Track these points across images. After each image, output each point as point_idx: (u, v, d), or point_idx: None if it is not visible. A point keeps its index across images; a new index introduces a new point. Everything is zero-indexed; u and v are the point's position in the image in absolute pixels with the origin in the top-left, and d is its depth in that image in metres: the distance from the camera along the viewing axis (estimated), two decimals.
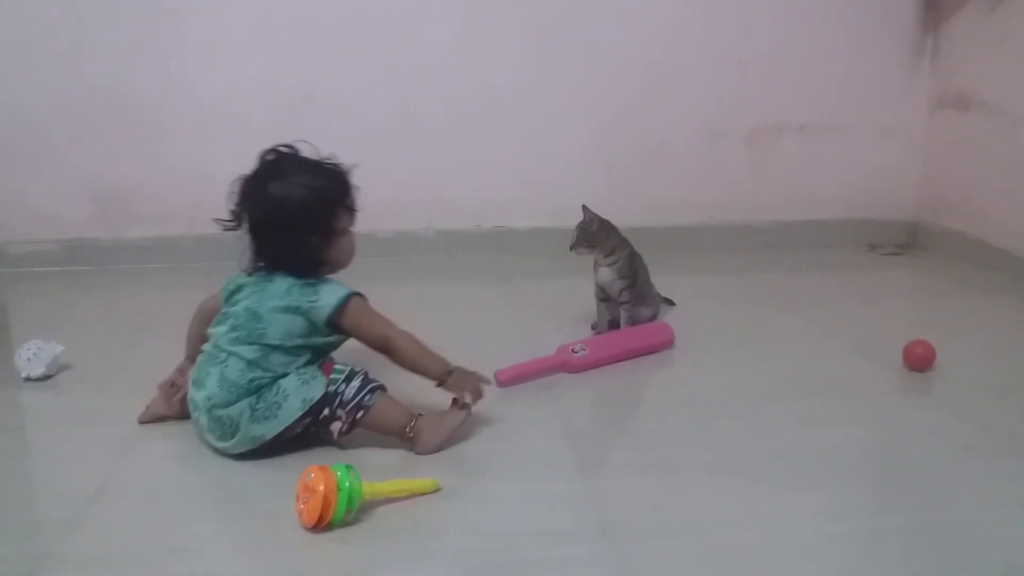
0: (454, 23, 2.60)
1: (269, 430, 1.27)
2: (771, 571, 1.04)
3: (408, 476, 1.21)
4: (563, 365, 1.68)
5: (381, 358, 1.38)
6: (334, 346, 1.39)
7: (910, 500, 1.20)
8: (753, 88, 2.74)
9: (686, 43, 2.69)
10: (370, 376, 1.34)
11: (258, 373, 1.28)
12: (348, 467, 1.12)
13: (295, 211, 1.32)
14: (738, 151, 2.79)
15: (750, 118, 2.77)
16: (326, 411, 1.29)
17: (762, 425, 1.45)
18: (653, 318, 1.95)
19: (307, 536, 1.09)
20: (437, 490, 1.20)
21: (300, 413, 1.28)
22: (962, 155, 2.65)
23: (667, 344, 1.82)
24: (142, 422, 1.43)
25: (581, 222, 1.84)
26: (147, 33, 2.51)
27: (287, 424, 1.28)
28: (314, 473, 1.10)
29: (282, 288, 1.33)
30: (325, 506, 1.07)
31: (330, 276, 1.39)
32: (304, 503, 1.10)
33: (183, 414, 1.41)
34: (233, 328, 1.31)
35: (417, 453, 1.32)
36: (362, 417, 1.30)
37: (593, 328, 1.94)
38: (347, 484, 1.09)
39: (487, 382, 1.43)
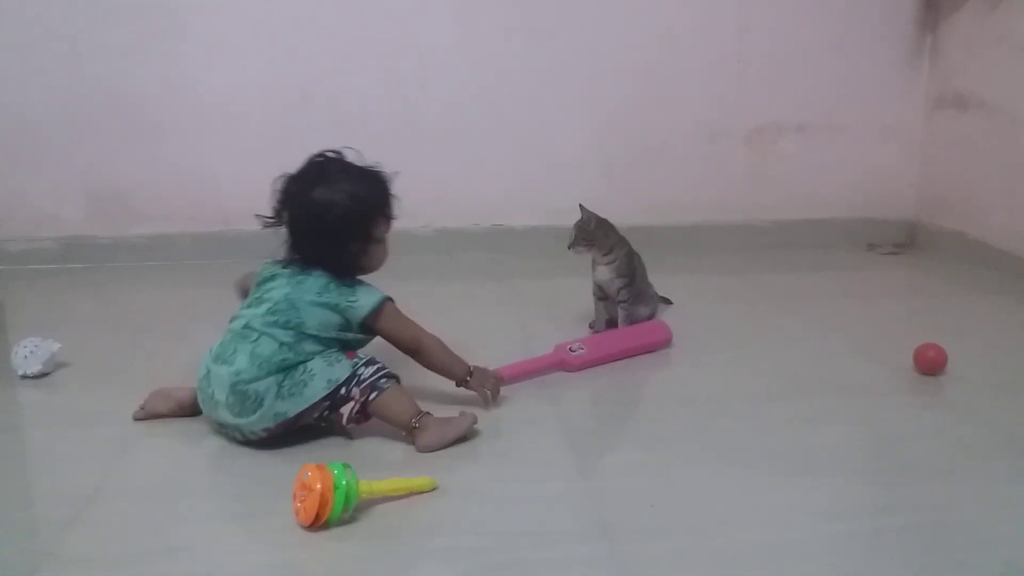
0: (453, 23, 2.60)
1: (293, 407, 1.30)
2: (771, 571, 1.03)
3: (406, 475, 1.20)
4: (561, 364, 1.68)
5: (398, 356, 1.42)
6: (362, 343, 1.43)
7: (910, 500, 1.20)
8: (752, 88, 2.74)
9: (685, 43, 2.69)
10: (386, 366, 1.38)
11: (289, 355, 1.31)
12: (345, 465, 1.12)
13: (337, 218, 1.36)
14: (737, 151, 2.79)
15: (749, 118, 2.77)
16: (343, 390, 1.32)
17: (761, 424, 1.45)
18: (651, 317, 1.95)
19: (304, 535, 1.09)
20: (434, 489, 1.20)
21: (325, 392, 1.31)
22: (961, 155, 2.66)
23: (665, 343, 1.82)
24: (137, 419, 1.43)
25: (579, 221, 1.84)
26: (146, 33, 2.51)
27: (311, 403, 1.30)
28: (311, 472, 1.09)
29: (320, 284, 1.37)
30: (322, 504, 1.07)
31: (361, 278, 1.44)
32: (301, 501, 1.09)
33: (180, 412, 1.43)
34: (271, 312, 1.34)
35: (417, 449, 1.32)
36: (374, 399, 1.32)
37: (591, 327, 1.94)
38: (344, 482, 1.09)
39: (504, 381, 1.51)
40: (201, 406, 1.37)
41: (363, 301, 1.38)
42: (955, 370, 1.65)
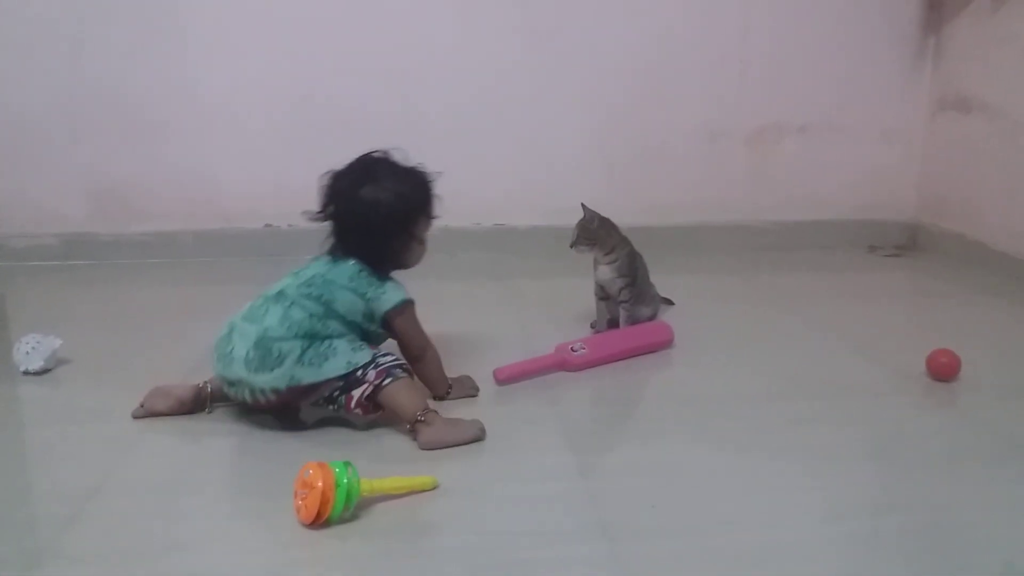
0: (454, 23, 2.60)
1: (308, 376, 1.33)
2: (771, 571, 1.03)
3: (407, 473, 1.20)
4: (562, 364, 1.68)
5: None
6: (380, 339, 1.47)
7: (909, 501, 1.20)
8: (753, 88, 2.74)
9: (686, 43, 2.69)
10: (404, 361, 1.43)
11: (317, 327, 1.36)
12: (346, 463, 1.12)
13: (382, 216, 1.42)
14: (738, 151, 2.79)
15: (750, 118, 2.77)
16: (359, 372, 1.34)
17: (761, 425, 1.45)
18: (652, 317, 1.95)
19: (305, 532, 1.09)
20: (435, 488, 1.20)
21: (343, 372, 1.34)
22: (963, 157, 2.66)
23: (666, 344, 1.82)
24: (137, 418, 1.43)
25: (581, 220, 1.84)
26: (147, 32, 2.51)
27: (326, 378, 1.33)
28: (312, 469, 1.10)
29: (353, 271, 1.43)
30: (323, 502, 1.07)
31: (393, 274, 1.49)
32: (302, 499, 1.09)
33: (180, 409, 1.43)
34: (308, 284, 1.40)
35: (418, 444, 1.33)
36: (387, 384, 1.34)
37: (592, 327, 1.94)
38: (345, 480, 1.09)
39: (477, 388, 1.56)
40: (215, 364, 1.39)
41: (390, 296, 1.43)
42: None
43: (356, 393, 1.34)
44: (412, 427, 1.34)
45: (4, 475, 1.28)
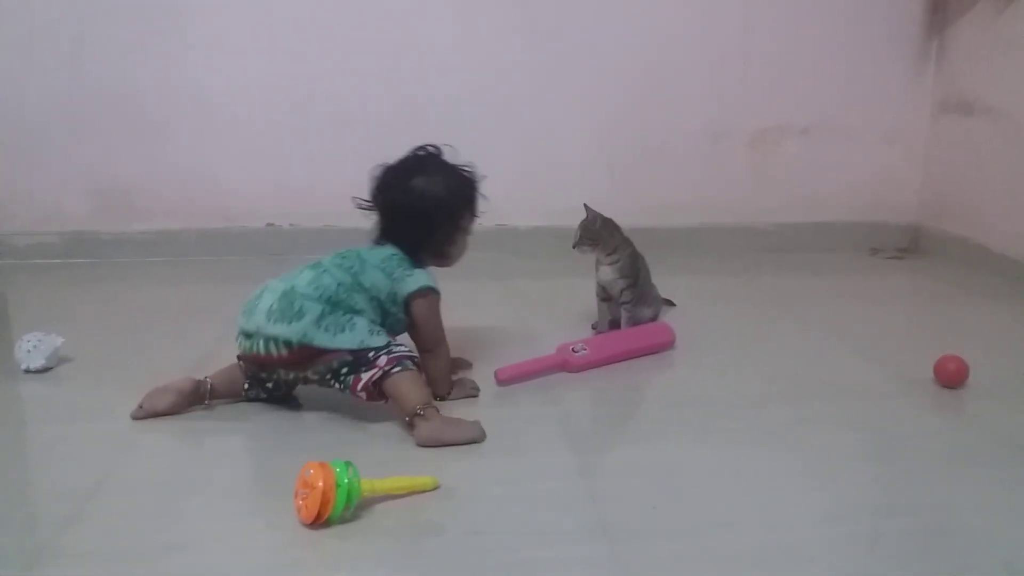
0: (455, 23, 2.60)
1: (321, 340, 1.35)
2: (770, 572, 1.03)
3: (408, 473, 1.20)
4: (563, 365, 1.68)
5: None
6: (400, 325, 1.49)
7: (909, 503, 1.20)
8: (755, 90, 2.74)
9: (688, 43, 2.69)
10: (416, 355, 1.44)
11: (342, 296, 1.40)
12: (347, 463, 1.12)
13: (430, 205, 1.49)
14: (740, 153, 2.79)
15: (752, 120, 2.77)
16: (371, 354, 1.36)
17: (762, 426, 1.45)
18: (654, 318, 1.95)
19: (305, 532, 1.09)
20: (436, 488, 1.20)
21: (352, 347, 1.36)
22: (965, 160, 2.65)
23: (668, 345, 1.82)
24: (136, 419, 1.42)
25: (584, 220, 1.84)
26: (149, 31, 2.52)
27: (337, 347, 1.35)
28: (313, 469, 1.09)
29: (387, 254, 1.49)
30: (324, 502, 1.07)
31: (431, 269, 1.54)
32: (303, 499, 1.09)
33: (180, 403, 1.43)
34: (342, 257, 1.47)
35: (415, 439, 1.33)
36: (396, 373, 1.35)
37: (594, 328, 1.94)
38: (346, 481, 1.09)
39: (477, 389, 1.56)
40: (238, 318, 1.42)
41: (416, 279, 1.47)
42: None
43: (364, 376, 1.35)
44: (411, 420, 1.34)
45: (5, 473, 1.28)
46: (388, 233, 1.52)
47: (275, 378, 1.44)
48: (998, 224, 2.48)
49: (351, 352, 1.35)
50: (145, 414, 1.42)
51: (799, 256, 2.75)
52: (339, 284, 1.40)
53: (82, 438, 1.38)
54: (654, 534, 1.11)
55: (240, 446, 1.37)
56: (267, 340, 1.36)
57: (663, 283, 2.03)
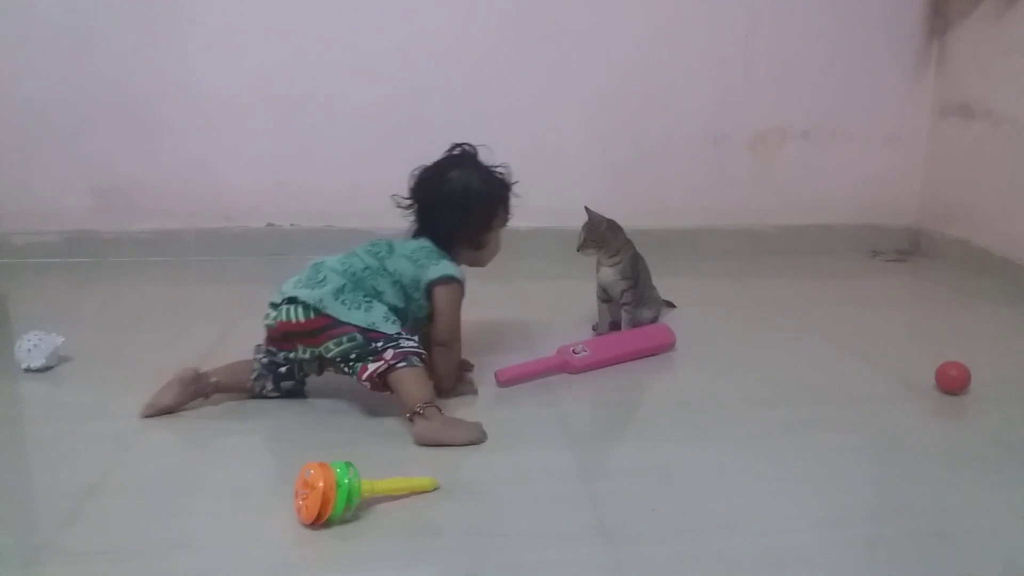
0: (456, 24, 2.60)
1: (333, 310, 1.39)
2: (770, 575, 1.03)
3: (408, 474, 1.20)
4: (564, 366, 1.68)
5: None
6: (421, 314, 1.51)
7: (909, 507, 1.19)
8: (756, 92, 2.74)
9: (689, 46, 2.69)
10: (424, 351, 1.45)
11: (366, 277, 1.45)
12: (347, 464, 1.11)
13: (467, 197, 1.53)
14: (741, 155, 2.79)
15: (753, 122, 2.77)
16: (379, 343, 1.38)
17: (762, 429, 1.45)
18: (654, 320, 1.95)
19: (305, 533, 1.09)
20: (436, 489, 1.20)
21: (361, 326, 1.38)
22: (966, 163, 2.66)
23: (668, 347, 1.82)
24: (145, 416, 1.42)
25: (588, 223, 1.84)
26: (149, 29, 2.52)
27: (348, 322, 1.38)
28: (313, 470, 1.09)
29: (417, 245, 1.53)
30: (324, 503, 1.07)
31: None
32: (303, 499, 1.09)
33: (184, 393, 1.44)
34: (372, 245, 1.52)
35: (413, 436, 1.33)
36: (400, 367, 1.36)
37: (594, 329, 1.94)
38: (346, 481, 1.09)
39: (476, 389, 1.58)
40: (273, 296, 1.46)
41: (442, 267, 1.50)
42: None
43: (371, 367, 1.36)
44: (411, 417, 1.34)
45: (5, 471, 1.28)
46: (424, 227, 1.56)
47: (292, 359, 1.45)
48: (999, 227, 2.48)
49: (360, 330, 1.37)
50: (154, 411, 1.43)
51: (799, 258, 2.75)
52: (366, 267, 1.46)
53: (82, 437, 1.38)
54: (654, 536, 1.10)
55: (240, 446, 1.36)
56: (288, 306, 1.41)
57: (664, 285, 2.03)
